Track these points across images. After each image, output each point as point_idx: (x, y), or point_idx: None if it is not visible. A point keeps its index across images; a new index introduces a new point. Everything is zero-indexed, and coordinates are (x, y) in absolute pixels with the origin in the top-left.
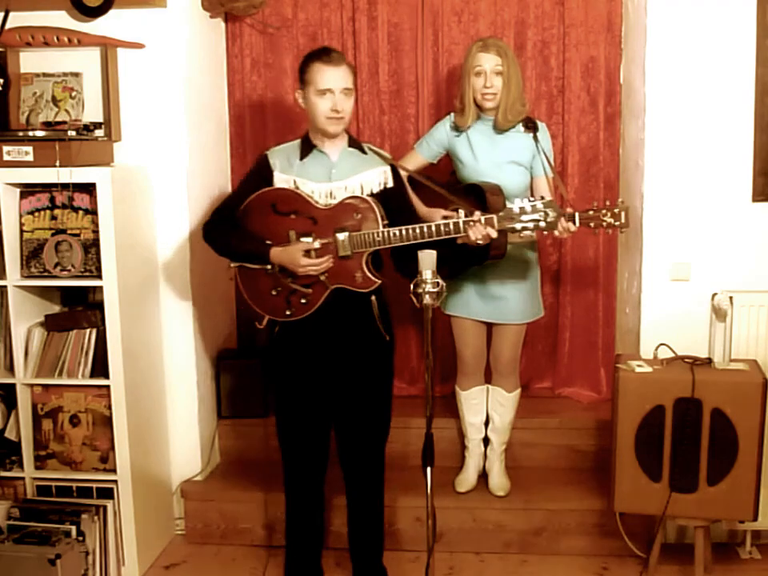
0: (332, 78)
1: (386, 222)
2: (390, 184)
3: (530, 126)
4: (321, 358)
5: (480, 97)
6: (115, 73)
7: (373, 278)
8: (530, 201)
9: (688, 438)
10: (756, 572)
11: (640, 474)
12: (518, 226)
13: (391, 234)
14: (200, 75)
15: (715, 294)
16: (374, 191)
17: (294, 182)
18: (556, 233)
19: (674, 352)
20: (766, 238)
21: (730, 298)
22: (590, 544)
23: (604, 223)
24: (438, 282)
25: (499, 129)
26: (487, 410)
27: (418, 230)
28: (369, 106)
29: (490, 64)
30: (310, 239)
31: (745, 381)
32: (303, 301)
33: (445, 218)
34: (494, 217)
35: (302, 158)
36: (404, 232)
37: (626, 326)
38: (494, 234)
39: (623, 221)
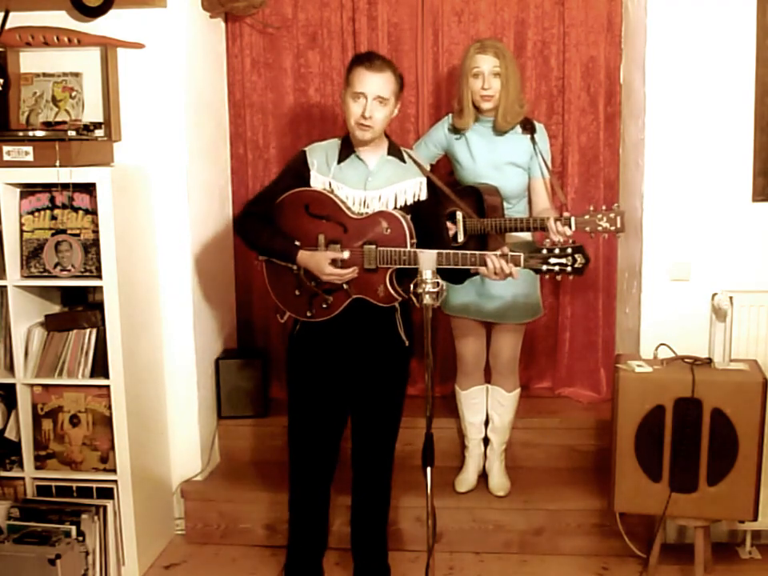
0: (367, 82)
1: (414, 240)
2: (423, 197)
3: (528, 127)
4: (338, 360)
5: (478, 98)
6: (115, 73)
7: (394, 294)
8: (560, 246)
9: (688, 438)
10: (756, 572)
11: (640, 474)
12: (544, 267)
13: (417, 255)
14: (200, 75)
15: (715, 294)
16: (408, 203)
17: (330, 184)
18: (552, 236)
19: (673, 352)
20: (766, 237)
21: (730, 298)
22: (589, 544)
23: (600, 227)
24: (437, 282)
25: (498, 130)
26: (487, 409)
27: (444, 257)
28: None
29: (487, 66)
30: (338, 246)
31: (745, 381)
32: (324, 305)
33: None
34: (521, 256)
35: (339, 162)
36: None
37: (626, 326)
38: (516, 276)
39: (619, 225)
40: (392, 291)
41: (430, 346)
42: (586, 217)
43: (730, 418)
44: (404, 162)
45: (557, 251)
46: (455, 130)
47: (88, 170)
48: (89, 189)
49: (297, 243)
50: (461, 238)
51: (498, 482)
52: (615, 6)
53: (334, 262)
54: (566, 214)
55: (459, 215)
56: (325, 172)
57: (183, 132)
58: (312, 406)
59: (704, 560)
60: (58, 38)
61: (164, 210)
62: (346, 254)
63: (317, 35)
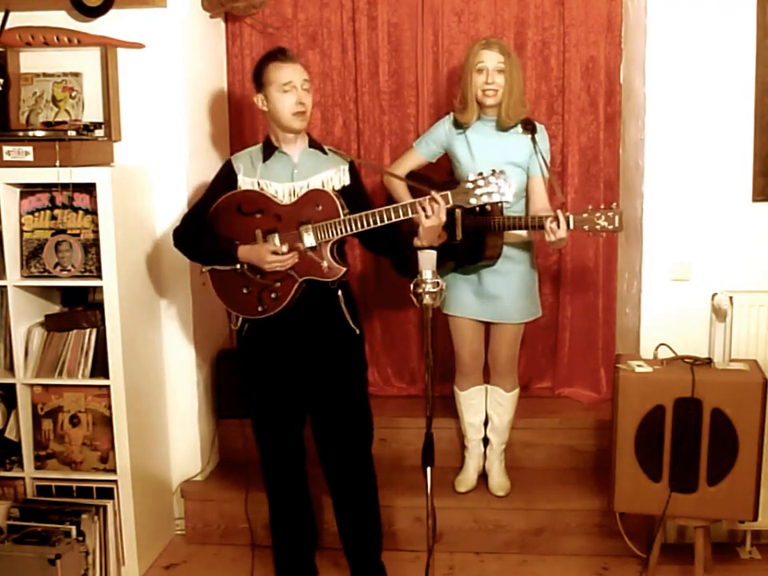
0: (292, 72)
1: (346, 210)
2: (348, 181)
3: (529, 127)
4: (290, 354)
5: (481, 93)
6: (115, 73)
7: (338, 265)
8: (479, 174)
9: (688, 438)
10: (756, 572)
11: (640, 474)
12: (473, 200)
13: (352, 221)
14: (200, 75)
15: (715, 294)
16: (336, 188)
17: (258, 183)
18: (545, 236)
19: (673, 352)
20: (766, 237)
21: (730, 298)
22: (590, 544)
23: (598, 226)
24: (437, 282)
25: (501, 126)
26: (486, 410)
27: (377, 215)
28: (369, 105)
29: (492, 61)
30: (275, 236)
31: (745, 381)
32: (273, 296)
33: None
34: (448, 193)
35: (264, 161)
36: (364, 218)
37: (626, 326)
38: (443, 217)
39: (617, 224)
40: (336, 264)
41: (430, 345)
42: (585, 215)
43: (729, 418)
44: (325, 153)
45: (480, 182)
46: (458, 125)
47: (88, 170)
48: (89, 189)
49: (236, 242)
50: (459, 236)
51: (498, 482)
52: (615, 6)
53: (274, 252)
54: (567, 214)
55: (458, 213)
56: (251, 173)
57: (183, 132)
58: (270, 403)
59: (704, 560)
60: (57, 38)
61: (164, 211)
62: (284, 247)
63: (317, 35)
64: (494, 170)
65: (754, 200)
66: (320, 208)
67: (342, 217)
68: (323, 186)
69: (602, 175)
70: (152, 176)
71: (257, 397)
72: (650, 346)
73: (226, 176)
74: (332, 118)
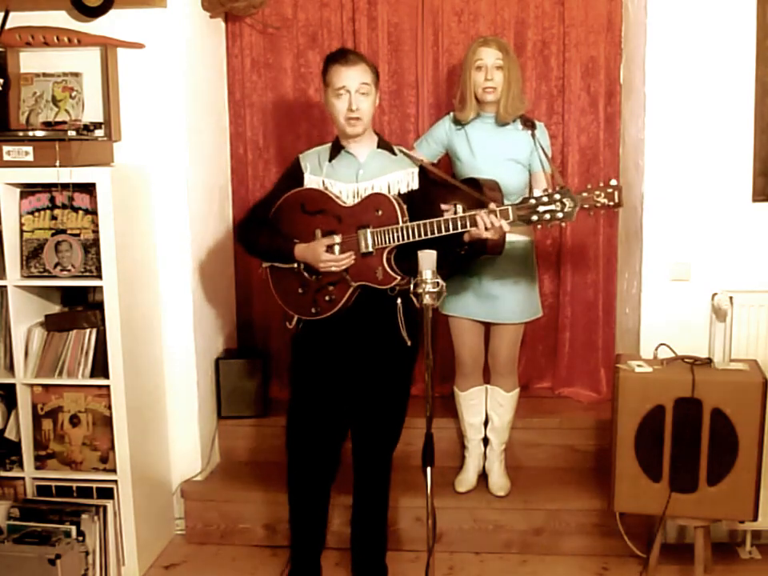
0: (346, 76)
1: (406, 218)
2: (416, 186)
3: (529, 124)
4: (340, 358)
5: (480, 91)
6: (115, 73)
7: (393, 274)
8: (545, 191)
9: (688, 438)
10: (756, 572)
11: (640, 473)
12: (534, 217)
13: (411, 229)
14: (200, 75)
15: (715, 294)
16: (401, 191)
17: (323, 182)
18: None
19: (674, 352)
20: (766, 237)
21: (730, 298)
22: (590, 544)
23: (598, 204)
24: (438, 282)
25: (500, 122)
26: (486, 410)
27: (435, 225)
28: None
29: (491, 58)
30: (334, 236)
31: (745, 381)
32: (328, 299)
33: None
34: (509, 208)
35: (330, 160)
36: (423, 227)
37: (626, 326)
38: (507, 228)
39: (617, 200)
40: (390, 272)
41: (430, 345)
42: (584, 194)
43: (730, 418)
44: (395, 154)
45: (544, 199)
46: (457, 122)
47: (88, 170)
48: (89, 189)
49: (295, 240)
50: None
51: (498, 482)
52: (615, 5)
53: (329, 249)
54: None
55: (459, 209)
56: (317, 172)
57: (183, 132)
58: (314, 406)
59: (704, 560)
60: (57, 38)
61: (164, 210)
62: (338, 239)
63: (317, 35)
64: (561, 188)
65: (754, 200)
66: (380, 213)
67: (400, 224)
68: (389, 189)
69: (602, 175)
70: (152, 176)
71: (302, 397)
72: (650, 346)
73: (293, 174)
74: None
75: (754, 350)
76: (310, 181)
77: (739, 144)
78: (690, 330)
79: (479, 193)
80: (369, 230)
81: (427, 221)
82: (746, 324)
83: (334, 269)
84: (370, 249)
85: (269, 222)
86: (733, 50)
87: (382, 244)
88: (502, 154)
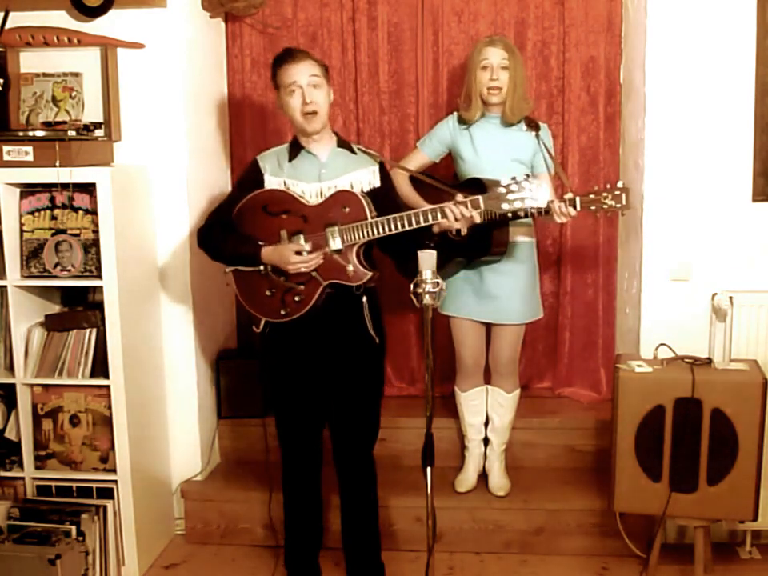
0: (295, 71)
1: (374, 213)
2: (378, 184)
3: (533, 125)
4: (310, 358)
5: (486, 91)
6: (115, 73)
7: (364, 269)
8: (513, 178)
9: (688, 438)
10: (756, 572)
11: (640, 473)
12: (505, 206)
13: (379, 224)
14: (200, 75)
15: (715, 294)
16: (364, 190)
17: (285, 183)
18: (555, 218)
19: (674, 352)
20: (766, 237)
21: (730, 298)
22: (590, 544)
23: (605, 206)
24: (437, 282)
25: (505, 123)
26: (487, 410)
27: (405, 218)
28: (369, 105)
29: (496, 58)
30: (301, 237)
31: (745, 381)
32: (297, 299)
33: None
34: (480, 198)
35: (290, 160)
36: (392, 221)
37: (626, 326)
38: (478, 219)
39: (624, 202)
40: (361, 268)
41: (430, 345)
42: (591, 196)
43: (730, 418)
44: (354, 153)
45: (512, 186)
46: (462, 121)
47: (88, 170)
48: (89, 189)
49: (260, 243)
50: (464, 231)
51: (498, 482)
52: (615, 5)
53: (298, 252)
54: (569, 195)
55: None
56: (278, 173)
57: (183, 132)
58: (291, 405)
59: (704, 560)
60: (57, 38)
61: (164, 210)
62: (307, 246)
63: (317, 35)
64: (527, 175)
65: (754, 200)
66: (347, 210)
67: (369, 219)
68: (352, 188)
69: (602, 175)
70: (152, 176)
71: (278, 398)
72: (650, 346)
73: (252, 175)
74: (332, 118)
75: (754, 350)
76: (271, 182)
77: (739, 144)
78: (690, 329)
79: (482, 192)
80: (337, 228)
81: (396, 215)
82: (746, 324)
83: (303, 269)
84: (340, 246)
85: (231, 226)
86: (733, 49)
87: (351, 240)
88: (506, 154)
